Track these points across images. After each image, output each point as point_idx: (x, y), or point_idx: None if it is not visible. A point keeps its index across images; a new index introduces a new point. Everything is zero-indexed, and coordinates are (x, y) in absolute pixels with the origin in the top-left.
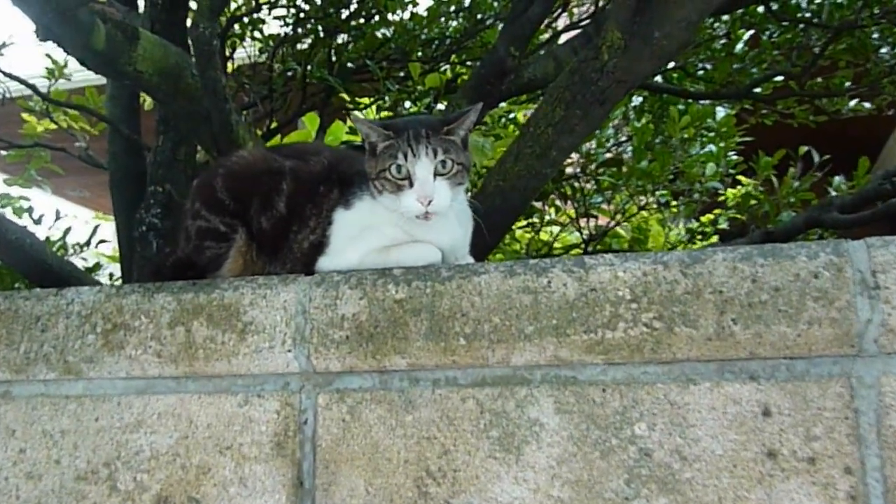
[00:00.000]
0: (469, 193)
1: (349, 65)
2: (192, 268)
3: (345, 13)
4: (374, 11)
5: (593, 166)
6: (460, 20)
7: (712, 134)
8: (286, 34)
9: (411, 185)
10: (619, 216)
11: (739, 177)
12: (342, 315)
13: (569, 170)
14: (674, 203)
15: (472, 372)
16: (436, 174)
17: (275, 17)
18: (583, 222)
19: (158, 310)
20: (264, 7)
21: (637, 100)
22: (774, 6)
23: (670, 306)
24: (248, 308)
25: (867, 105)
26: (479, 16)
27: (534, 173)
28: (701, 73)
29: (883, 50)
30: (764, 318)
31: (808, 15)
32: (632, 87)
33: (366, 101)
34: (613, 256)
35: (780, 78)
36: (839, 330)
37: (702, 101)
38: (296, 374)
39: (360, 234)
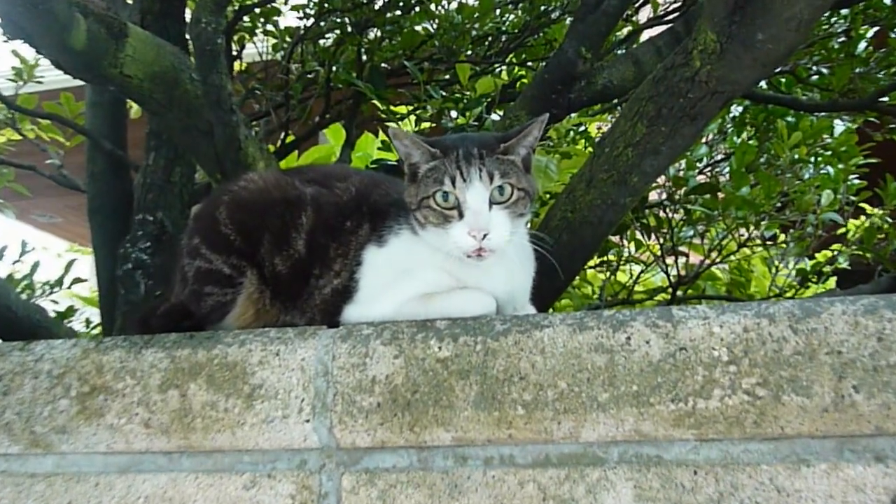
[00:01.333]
0: (528, 225)
1: (383, 66)
2: (188, 317)
3: (378, 3)
4: (413, 2)
5: (682, 192)
6: (519, 13)
7: (829, 154)
8: (306, 28)
9: (461, 215)
10: (714, 254)
11: (863, 205)
12: (373, 377)
13: (653, 196)
14: (782, 238)
15: (532, 449)
16: (491, 203)
17: (292, 7)
18: (670, 261)
19: (147, 369)
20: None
21: (737, 110)
22: None
23: (777, 370)
24: (258, 368)
25: None
26: (542, 7)
27: (609, 203)
28: (815, 78)
29: None
30: (893, 385)
31: None
32: (729, 99)
33: (402, 109)
34: (707, 308)
35: None
36: None
37: (816, 114)
38: (315, 449)
39: (395, 278)
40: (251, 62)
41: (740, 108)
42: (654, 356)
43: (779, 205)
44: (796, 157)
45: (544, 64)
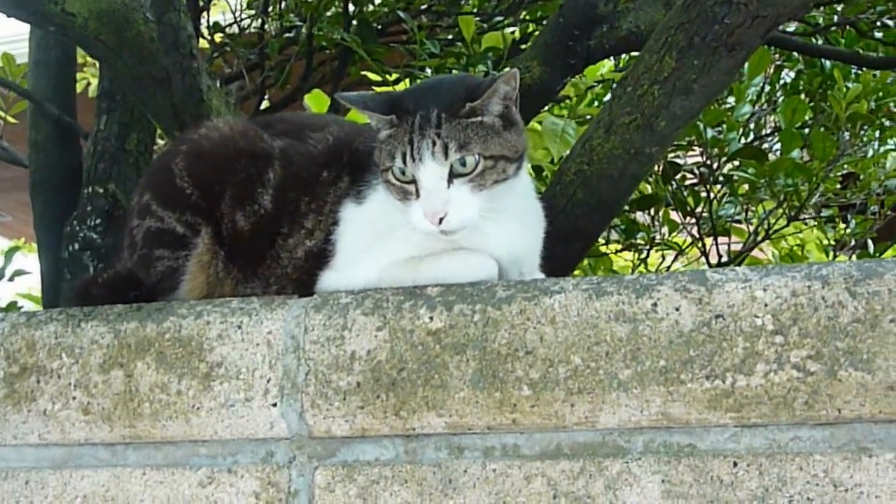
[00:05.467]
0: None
1: (373, 21)
2: (135, 286)
3: None
4: None
5: (723, 160)
6: None
7: None
8: None
9: (418, 194)
10: (760, 233)
11: None
12: (352, 353)
13: (691, 160)
14: (841, 226)
15: (540, 438)
16: (454, 176)
17: None
18: (710, 244)
19: (87, 346)
20: None
21: (788, 76)
22: None
23: (832, 340)
24: (217, 343)
25: None
26: None
27: (632, 153)
28: (880, 33)
29: None
30: None
31: None
32: (774, 26)
33: (397, 75)
34: (749, 269)
35: None
36: None
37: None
38: (283, 439)
39: (379, 239)
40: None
41: (792, 74)
42: (686, 325)
43: (839, 180)
44: (856, 114)
45: (561, 6)
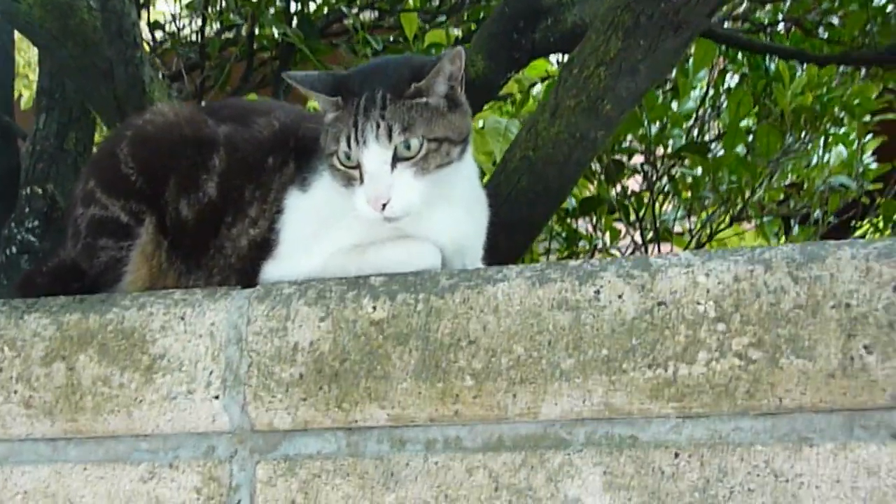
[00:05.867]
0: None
1: (315, 19)
2: (78, 277)
3: None
4: None
5: (667, 156)
6: None
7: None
8: None
9: (362, 180)
10: (703, 236)
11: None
12: (295, 344)
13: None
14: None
15: (482, 430)
16: (397, 160)
17: None
18: (652, 251)
19: (29, 338)
20: None
21: (732, 80)
22: None
23: (774, 328)
24: (159, 335)
25: None
26: None
27: (578, 137)
28: (825, 32)
29: None
30: None
31: None
32: (718, 5)
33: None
34: (692, 254)
35: None
36: None
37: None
38: (225, 433)
39: (324, 227)
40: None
41: (736, 78)
42: (628, 313)
43: (782, 196)
44: (801, 107)
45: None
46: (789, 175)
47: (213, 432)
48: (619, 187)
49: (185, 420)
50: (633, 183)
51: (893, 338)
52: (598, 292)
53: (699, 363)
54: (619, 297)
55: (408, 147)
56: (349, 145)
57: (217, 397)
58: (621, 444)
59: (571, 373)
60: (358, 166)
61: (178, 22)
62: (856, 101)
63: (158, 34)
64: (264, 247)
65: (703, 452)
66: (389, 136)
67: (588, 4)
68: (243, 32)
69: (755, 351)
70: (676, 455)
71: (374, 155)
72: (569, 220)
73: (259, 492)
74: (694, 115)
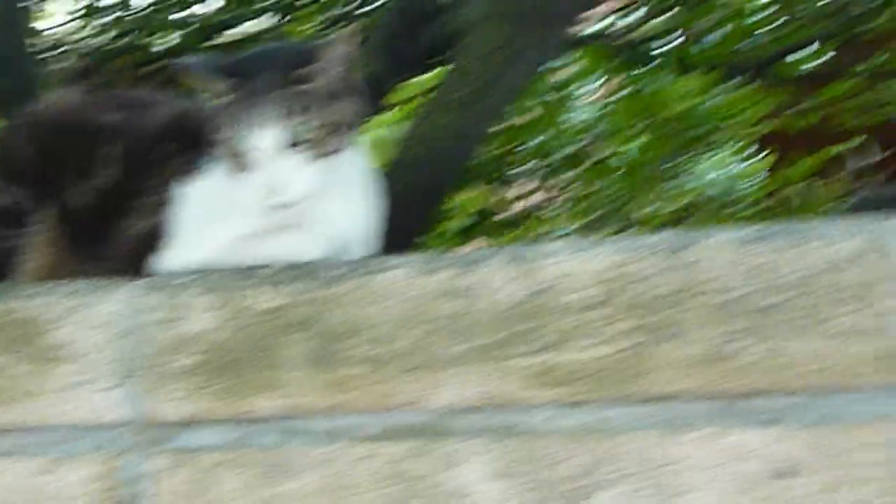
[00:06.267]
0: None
1: (209, 25)
2: None
3: None
4: None
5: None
6: None
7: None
8: None
9: (253, 166)
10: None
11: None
12: (189, 334)
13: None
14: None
15: (374, 419)
16: (289, 145)
17: None
18: None
19: None
20: None
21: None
22: None
23: (651, 313)
24: (57, 325)
25: None
26: None
27: (466, 129)
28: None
29: None
30: (780, 328)
31: None
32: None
33: None
34: (577, 240)
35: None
36: (883, 345)
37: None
38: (123, 424)
39: (215, 216)
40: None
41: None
42: (512, 300)
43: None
44: (684, 111)
45: (395, 2)
46: (686, 196)
47: (109, 424)
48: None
49: (81, 412)
50: (529, 201)
51: (763, 323)
52: (483, 279)
53: (581, 349)
54: (504, 284)
55: (301, 132)
56: (241, 130)
57: (114, 388)
58: (507, 432)
59: (459, 359)
60: (251, 151)
61: (70, 27)
62: (732, 112)
63: (52, 38)
64: (157, 237)
65: (587, 440)
66: (282, 121)
67: (474, 5)
68: (137, 37)
69: (635, 337)
70: (561, 441)
71: (267, 139)
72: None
73: (155, 483)
74: (587, 128)
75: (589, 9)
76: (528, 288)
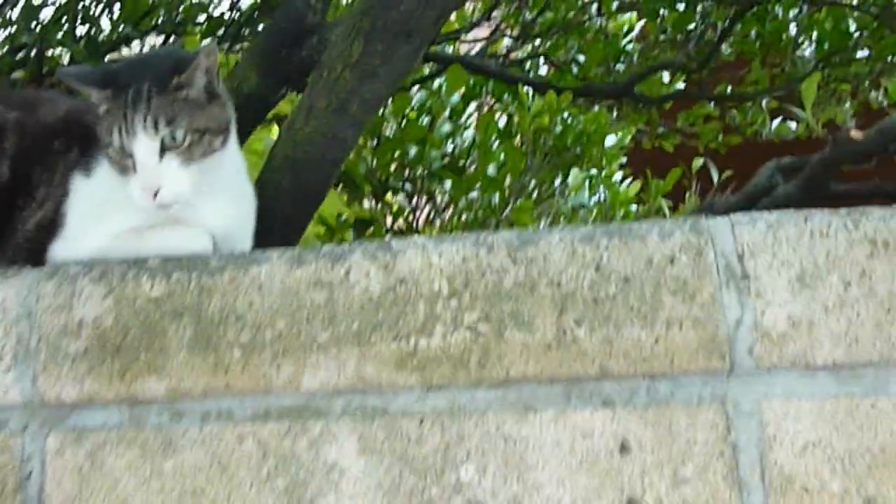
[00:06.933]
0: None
1: (103, 41)
2: None
3: None
4: None
5: (425, 176)
6: None
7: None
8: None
9: (134, 169)
10: None
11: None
12: (80, 320)
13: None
14: None
15: (251, 402)
16: (165, 149)
17: None
18: None
19: None
20: None
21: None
22: None
23: (498, 304)
24: None
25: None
26: None
27: (330, 136)
28: (574, 69)
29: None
30: (613, 317)
31: None
32: (445, 15)
33: None
34: (427, 238)
35: (674, 81)
36: (704, 333)
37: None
38: (18, 405)
39: (106, 210)
40: None
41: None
42: (375, 291)
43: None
44: (540, 128)
45: (273, 17)
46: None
47: (4, 405)
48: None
49: None
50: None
51: (598, 313)
52: (348, 272)
53: (436, 336)
54: (367, 275)
55: (173, 138)
56: (120, 136)
57: (9, 370)
58: (373, 413)
59: (328, 345)
60: (130, 156)
61: None
62: (592, 129)
63: None
64: (51, 228)
65: (443, 420)
66: (156, 127)
67: (340, 25)
68: (32, 54)
69: (483, 325)
70: (421, 422)
71: (143, 145)
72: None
73: (49, 462)
74: (450, 139)
75: (434, 30)
76: (388, 280)
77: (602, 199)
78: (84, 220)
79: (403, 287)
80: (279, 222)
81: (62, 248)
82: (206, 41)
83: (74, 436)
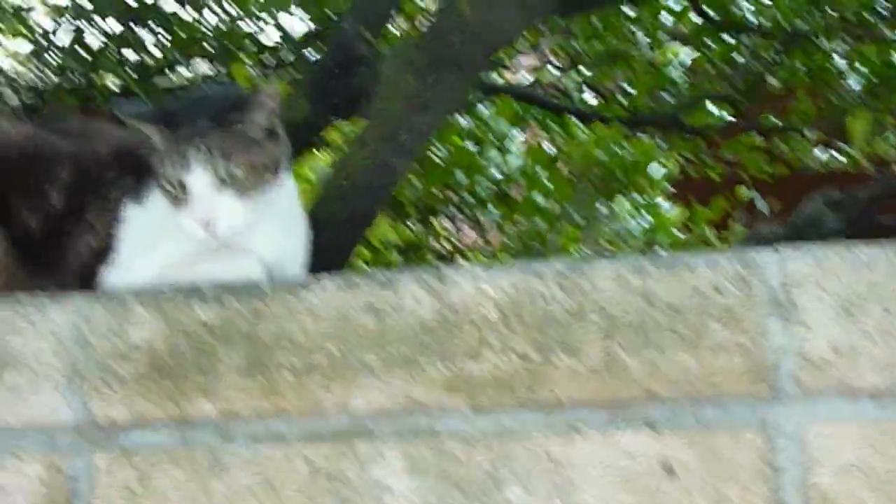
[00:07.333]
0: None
1: (151, 67)
2: None
3: None
4: None
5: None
6: (307, 14)
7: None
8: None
9: (188, 202)
10: None
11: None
12: (132, 343)
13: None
14: None
15: (301, 423)
16: (220, 184)
17: (46, 7)
18: None
19: None
20: None
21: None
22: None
23: (547, 330)
24: (5, 334)
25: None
26: (330, 13)
27: (380, 164)
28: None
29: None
30: (659, 343)
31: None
32: (495, 48)
33: None
34: (479, 266)
35: (721, 110)
36: (749, 360)
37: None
38: (68, 426)
39: (158, 238)
40: None
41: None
42: (425, 316)
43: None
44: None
45: (327, 48)
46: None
47: (55, 425)
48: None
49: (29, 414)
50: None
51: (644, 339)
52: (399, 298)
53: (485, 360)
54: (418, 301)
55: (230, 172)
56: (176, 170)
57: (60, 392)
58: (421, 434)
59: (378, 368)
60: (185, 189)
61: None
62: (639, 159)
63: None
64: (103, 255)
65: (490, 441)
66: (213, 162)
67: (390, 58)
68: (81, 79)
69: (532, 351)
70: (468, 443)
71: (199, 179)
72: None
73: (98, 480)
74: (498, 166)
75: (486, 63)
76: (439, 306)
77: (646, 226)
78: (136, 247)
79: (454, 313)
80: (327, 248)
81: (113, 275)
82: (271, 85)
83: (124, 455)
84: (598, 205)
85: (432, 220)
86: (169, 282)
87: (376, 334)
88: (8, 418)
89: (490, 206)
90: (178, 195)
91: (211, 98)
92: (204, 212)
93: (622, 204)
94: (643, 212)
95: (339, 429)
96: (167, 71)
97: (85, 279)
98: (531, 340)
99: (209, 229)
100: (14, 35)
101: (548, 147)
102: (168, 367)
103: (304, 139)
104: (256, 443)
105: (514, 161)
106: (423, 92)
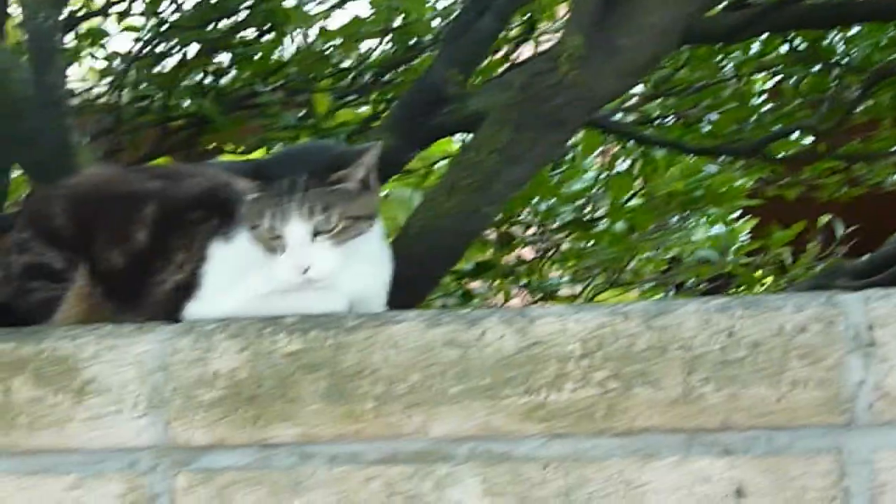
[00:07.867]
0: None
1: (228, 91)
2: (9, 314)
3: (225, 24)
4: (268, 24)
5: (553, 231)
6: (388, 46)
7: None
8: (140, 51)
9: (284, 249)
10: (584, 298)
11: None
12: (215, 371)
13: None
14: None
15: (380, 445)
16: (317, 233)
17: (125, 29)
18: None
19: None
20: (112, 13)
21: (622, 166)
22: (800, 44)
23: (629, 364)
24: (90, 362)
25: None
26: (411, 41)
27: (471, 211)
28: (707, 128)
29: None
30: (740, 377)
31: (844, 60)
32: (594, 108)
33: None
34: (563, 306)
35: (802, 138)
36: (827, 392)
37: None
38: (148, 447)
39: (242, 274)
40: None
41: (627, 162)
42: (508, 350)
43: (667, 261)
44: (672, 193)
45: (412, 86)
46: (671, 249)
47: (137, 447)
48: (512, 255)
49: (111, 436)
50: (528, 252)
51: (725, 373)
52: (483, 333)
53: (565, 391)
54: (501, 337)
55: (326, 224)
56: (273, 220)
57: (142, 416)
58: (498, 458)
59: (458, 397)
60: (280, 238)
61: (90, 86)
62: (721, 190)
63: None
64: (188, 289)
65: (566, 465)
66: (311, 214)
67: (489, 94)
68: (157, 100)
69: (612, 382)
70: (544, 467)
71: (296, 229)
72: (464, 281)
73: (178, 499)
74: (585, 195)
75: (584, 118)
76: (523, 341)
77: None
78: (220, 282)
79: (537, 348)
80: (410, 281)
81: (197, 308)
82: (376, 144)
83: (204, 475)
84: (674, 228)
85: (511, 244)
86: (252, 315)
87: (459, 366)
88: (93, 441)
89: (570, 232)
90: (274, 244)
91: (311, 155)
92: (300, 259)
93: (701, 231)
94: (717, 226)
95: (418, 451)
96: (246, 99)
97: (169, 312)
98: (611, 373)
99: (304, 276)
100: (93, 57)
101: (621, 165)
102: (250, 394)
103: (386, 171)
104: (335, 464)
105: (585, 184)
106: (518, 147)
